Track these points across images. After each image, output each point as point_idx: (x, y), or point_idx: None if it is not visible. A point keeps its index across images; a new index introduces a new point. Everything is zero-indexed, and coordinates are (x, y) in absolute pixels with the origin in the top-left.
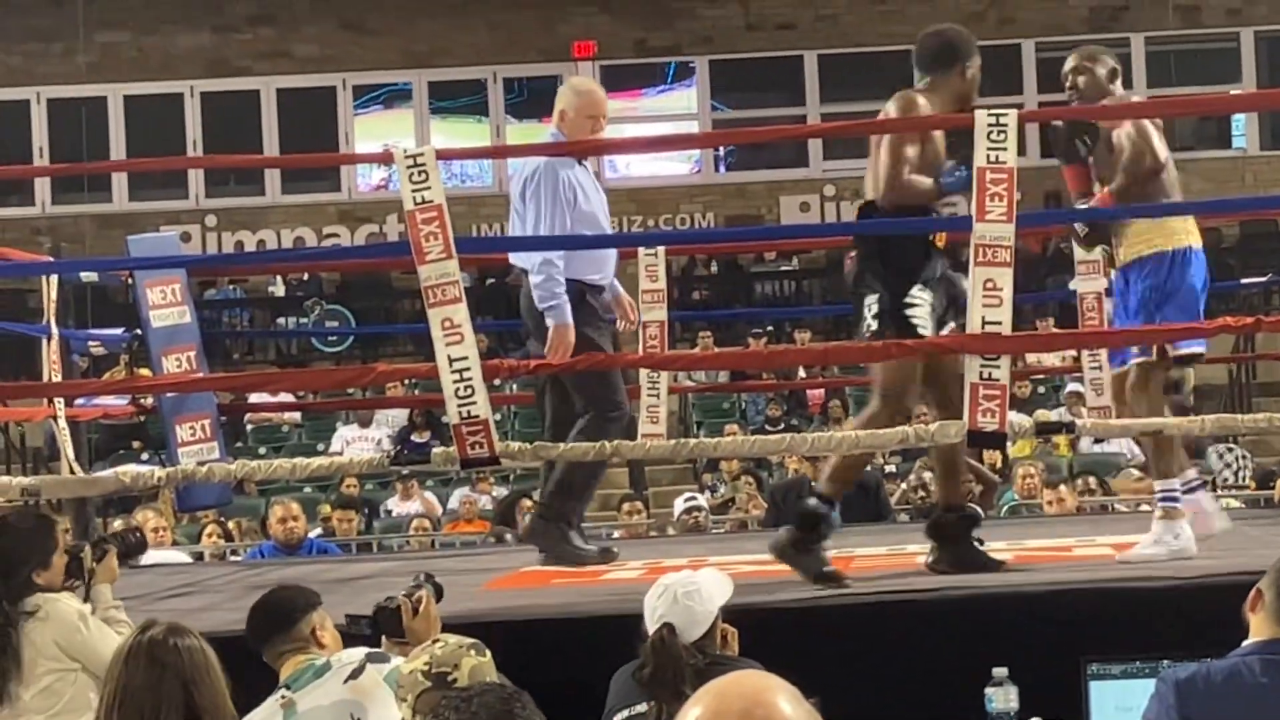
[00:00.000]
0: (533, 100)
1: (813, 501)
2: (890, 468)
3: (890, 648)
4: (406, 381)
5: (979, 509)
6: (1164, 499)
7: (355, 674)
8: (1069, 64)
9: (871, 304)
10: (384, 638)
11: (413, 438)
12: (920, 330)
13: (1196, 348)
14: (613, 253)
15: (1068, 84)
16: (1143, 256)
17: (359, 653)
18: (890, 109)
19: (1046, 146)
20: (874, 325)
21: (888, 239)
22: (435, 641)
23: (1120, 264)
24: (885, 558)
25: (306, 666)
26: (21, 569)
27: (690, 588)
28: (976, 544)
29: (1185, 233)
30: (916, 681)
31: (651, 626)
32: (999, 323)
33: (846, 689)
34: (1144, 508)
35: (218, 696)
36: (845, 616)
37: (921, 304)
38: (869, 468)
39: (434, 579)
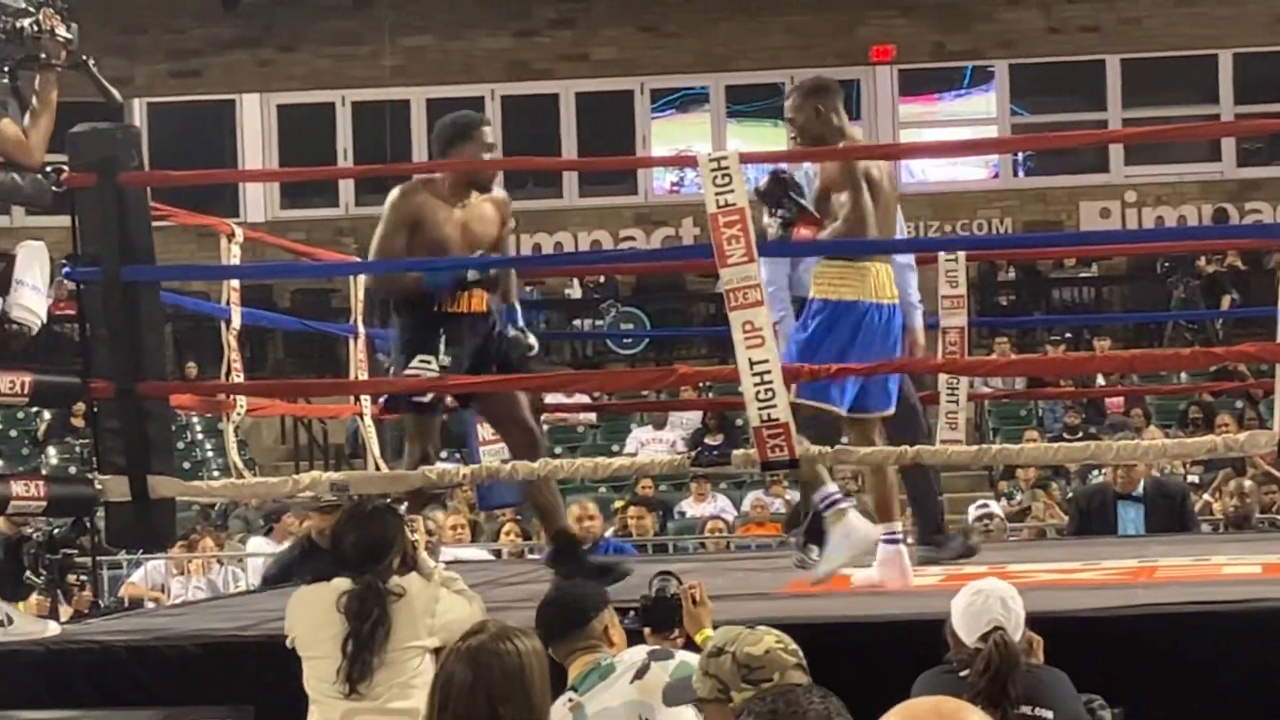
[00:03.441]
0: None
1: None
2: (1194, 479)
3: (1192, 658)
4: (700, 384)
5: (578, 534)
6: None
7: (640, 673)
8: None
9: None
10: (646, 631)
11: (706, 440)
12: (418, 398)
13: None
14: None
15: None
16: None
17: (642, 651)
18: (392, 195)
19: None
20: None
21: (399, 323)
22: (750, 629)
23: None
24: (1189, 568)
25: (592, 668)
26: (388, 553)
27: (1012, 594)
28: (590, 559)
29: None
30: (1219, 693)
31: (978, 630)
32: None
33: (1148, 698)
34: None
35: (532, 712)
36: (1147, 626)
37: (422, 372)
38: (1176, 479)
39: (674, 574)
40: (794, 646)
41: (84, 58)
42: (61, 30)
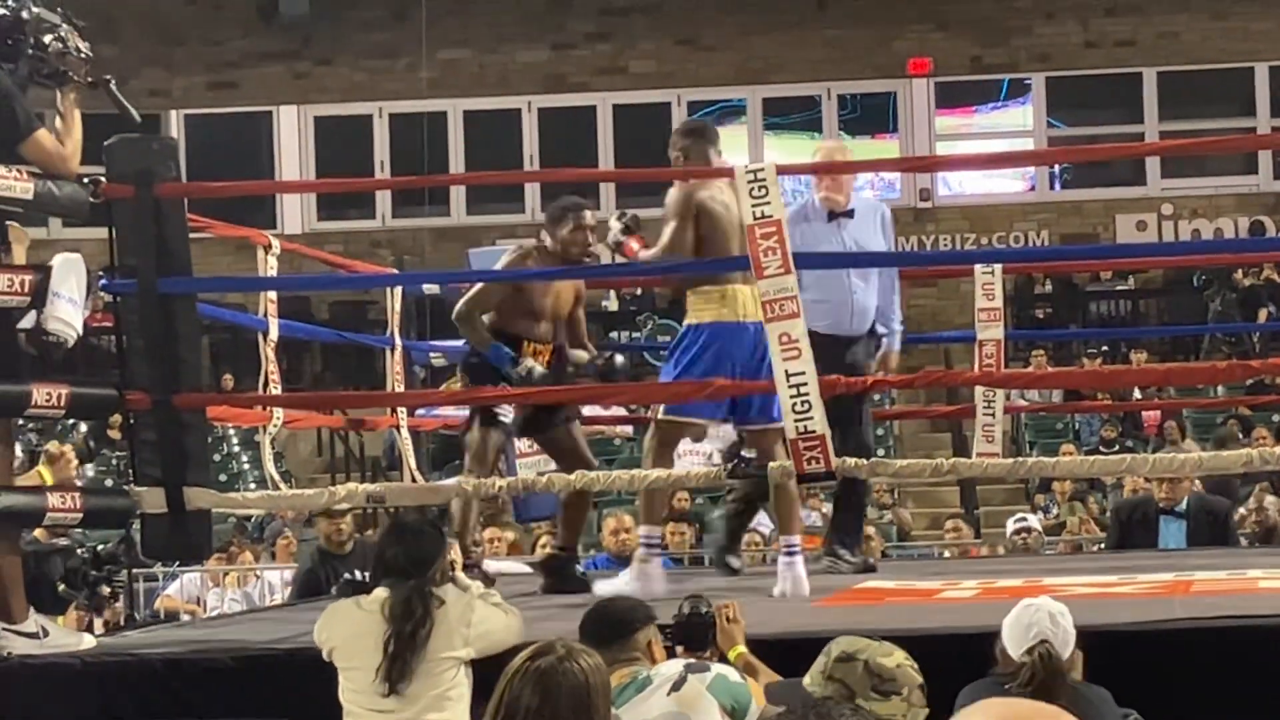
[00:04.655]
0: (866, 117)
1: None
2: None
3: (1227, 673)
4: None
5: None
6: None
7: (677, 686)
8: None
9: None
10: (680, 649)
11: (743, 452)
12: (500, 416)
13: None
14: (857, 307)
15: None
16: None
17: (678, 664)
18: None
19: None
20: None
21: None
22: (878, 641)
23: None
24: (1225, 582)
25: (629, 681)
26: (431, 567)
27: (1061, 610)
28: (578, 574)
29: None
30: (1254, 708)
31: (1025, 644)
32: None
33: (1183, 713)
34: None
35: None
36: (1182, 640)
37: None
38: (1220, 497)
39: (703, 596)
40: (918, 667)
41: (105, 77)
42: (84, 47)
